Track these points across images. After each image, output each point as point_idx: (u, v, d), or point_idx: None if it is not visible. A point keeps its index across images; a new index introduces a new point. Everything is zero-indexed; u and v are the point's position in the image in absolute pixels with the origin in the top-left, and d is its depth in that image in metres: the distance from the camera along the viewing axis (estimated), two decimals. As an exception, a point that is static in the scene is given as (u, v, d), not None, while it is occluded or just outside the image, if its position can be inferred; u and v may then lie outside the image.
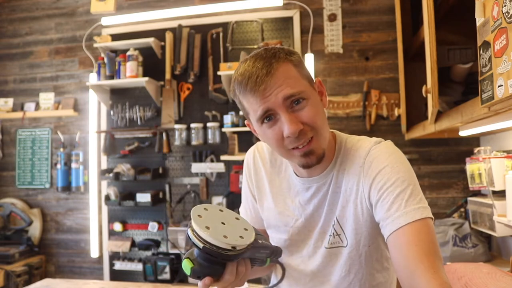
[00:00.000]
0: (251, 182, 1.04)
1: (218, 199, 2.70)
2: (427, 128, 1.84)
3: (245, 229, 0.72)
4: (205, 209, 0.72)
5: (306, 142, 0.81)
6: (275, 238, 0.99)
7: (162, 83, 2.82)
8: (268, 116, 0.80)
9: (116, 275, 2.82)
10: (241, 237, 0.69)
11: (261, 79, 0.77)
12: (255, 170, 1.03)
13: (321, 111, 0.85)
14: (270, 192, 0.99)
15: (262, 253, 0.82)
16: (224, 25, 2.77)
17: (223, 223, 0.70)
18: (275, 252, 0.88)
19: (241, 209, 1.11)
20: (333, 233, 0.89)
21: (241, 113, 2.60)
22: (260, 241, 0.78)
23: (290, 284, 0.99)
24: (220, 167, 2.68)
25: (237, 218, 0.74)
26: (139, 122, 2.85)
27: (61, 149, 2.94)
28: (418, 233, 0.72)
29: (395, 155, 0.84)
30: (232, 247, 0.66)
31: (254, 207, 1.06)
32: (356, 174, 0.86)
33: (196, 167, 2.71)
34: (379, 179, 0.80)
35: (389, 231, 0.75)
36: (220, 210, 0.74)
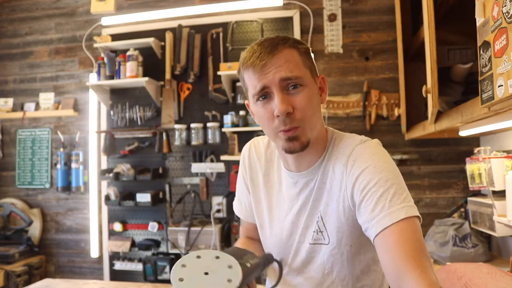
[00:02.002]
0: (246, 175, 1.04)
1: (218, 199, 2.70)
2: (427, 128, 1.84)
3: (230, 267, 0.67)
4: (182, 266, 0.67)
5: (292, 127, 0.82)
6: (267, 233, 1.00)
7: (162, 83, 2.82)
8: (263, 94, 0.83)
9: (116, 275, 2.82)
10: (229, 280, 0.65)
11: (263, 56, 0.81)
12: (249, 164, 1.04)
13: (316, 103, 0.86)
14: (264, 186, 1.00)
15: (256, 272, 0.80)
16: (224, 25, 2.77)
17: (206, 273, 0.66)
18: (267, 262, 0.87)
19: (235, 202, 1.12)
20: (317, 230, 0.89)
21: (241, 113, 2.61)
22: (248, 265, 0.75)
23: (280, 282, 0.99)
24: (220, 167, 2.68)
25: (217, 257, 0.69)
26: (139, 122, 2.85)
27: (61, 149, 2.94)
28: (404, 233, 0.71)
29: (378, 155, 0.83)
30: None
31: (248, 200, 1.06)
32: (340, 172, 0.86)
33: (196, 167, 2.71)
34: (362, 179, 0.80)
35: (375, 232, 0.74)
36: (198, 257, 0.69)
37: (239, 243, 1.11)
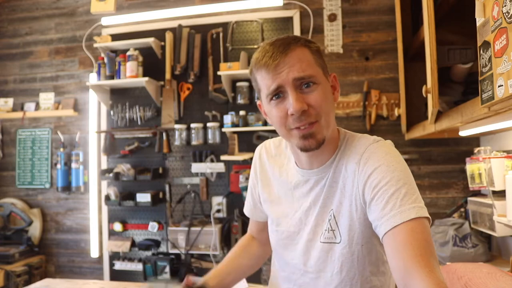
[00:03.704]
0: (257, 174, 1.07)
1: (218, 199, 2.70)
2: (427, 128, 1.84)
3: None
4: None
5: (307, 124, 0.82)
6: (274, 231, 1.01)
7: (162, 83, 2.82)
8: (277, 94, 0.84)
9: (116, 275, 2.82)
10: None
11: (276, 55, 0.82)
12: (260, 164, 1.06)
13: (329, 100, 0.86)
14: (273, 185, 1.01)
15: None
16: (224, 25, 2.77)
17: None
18: None
19: (245, 205, 1.15)
20: (328, 228, 0.89)
21: (241, 113, 2.61)
22: None
23: (282, 279, 1.00)
24: (220, 167, 2.68)
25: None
26: (139, 122, 2.85)
27: (61, 149, 2.94)
28: (413, 232, 0.71)
29: (391, 155, 0.84)
30: None
31: (254, 199, 1.09)
32: (352, 171, 0.86)
33: (196, 167, 2.71)
34: (374, 177, 0.80)
35: (384, 230, 0.75)
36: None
37: (230, 254, 1.15)
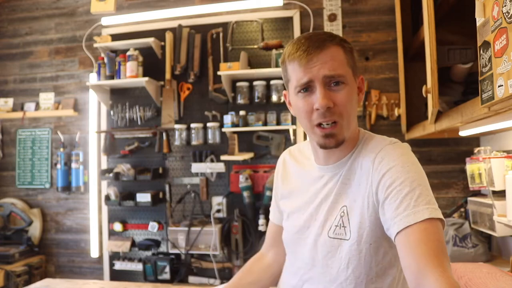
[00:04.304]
0: (278, 177, 1.10)
1: (218, 199, 2.70)
2: (427, 128, 1.84)
3: None
4: None
5: (331, 122, 0.85)
6: (286, 225, 1.03)
7: (162, 83, 2.82)
8: (305, 87, 0.86)
9: (116, 275, 2.82)
10: None
11: (310, 50, 0.84)
12: (283, 165, 1.09)
13: (354, 102, 0.89)
14: (292, 179, 1.05)
15: None
16: (224, 25, 2.77)
17: None
18: None
19: (270, 211, 1.18)
20: (340, 224, 0.90)
21: (241, 113, 2.61)
22: None
23: (290, 273, 1.01)
24: (220, 167, 2.68)
25: None
26: (139, 122, 2.85)
27: (61, 149, 2.94)
28: (427, 233, 0.72)
29: (406, 156, 0.86)
30: None
31: (277, 204, 1.11)
32: (366, 169, 0.88)
33: (196, 167, 2.71)
34: (388, 176, 0.81)
35: (397, 229, 0.75)
36: None
37: (243, 270, 1.16)
